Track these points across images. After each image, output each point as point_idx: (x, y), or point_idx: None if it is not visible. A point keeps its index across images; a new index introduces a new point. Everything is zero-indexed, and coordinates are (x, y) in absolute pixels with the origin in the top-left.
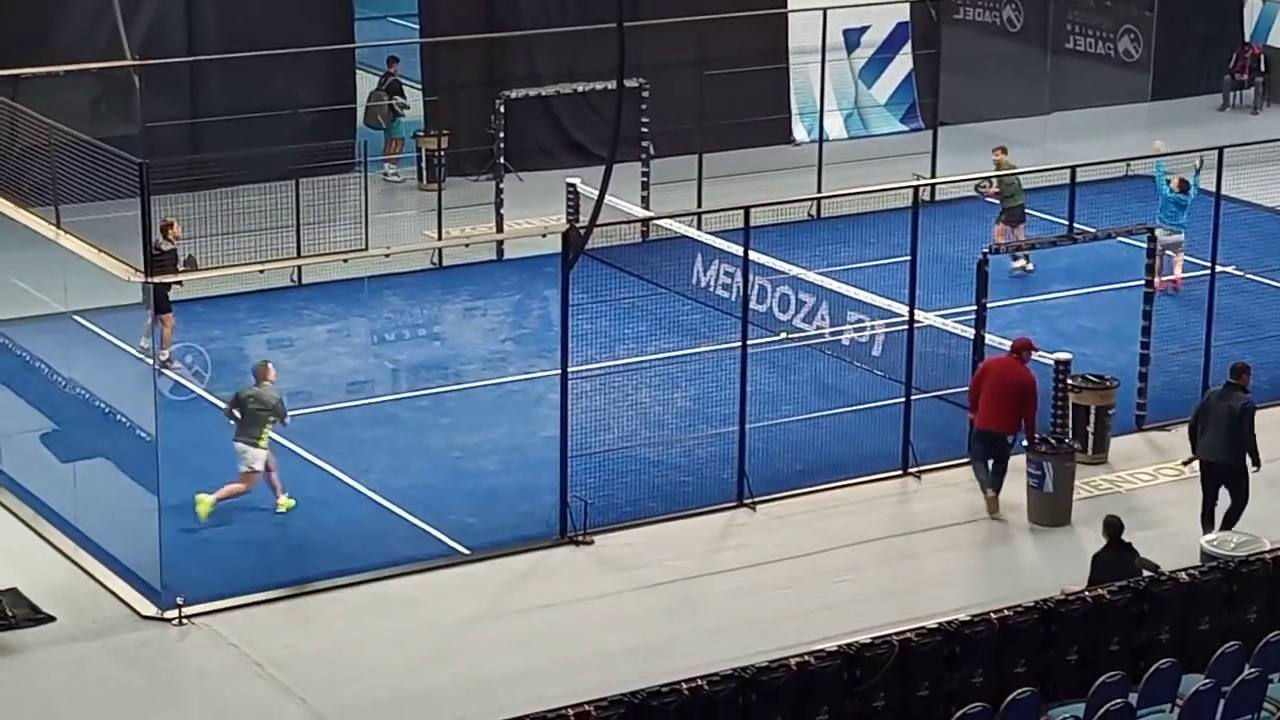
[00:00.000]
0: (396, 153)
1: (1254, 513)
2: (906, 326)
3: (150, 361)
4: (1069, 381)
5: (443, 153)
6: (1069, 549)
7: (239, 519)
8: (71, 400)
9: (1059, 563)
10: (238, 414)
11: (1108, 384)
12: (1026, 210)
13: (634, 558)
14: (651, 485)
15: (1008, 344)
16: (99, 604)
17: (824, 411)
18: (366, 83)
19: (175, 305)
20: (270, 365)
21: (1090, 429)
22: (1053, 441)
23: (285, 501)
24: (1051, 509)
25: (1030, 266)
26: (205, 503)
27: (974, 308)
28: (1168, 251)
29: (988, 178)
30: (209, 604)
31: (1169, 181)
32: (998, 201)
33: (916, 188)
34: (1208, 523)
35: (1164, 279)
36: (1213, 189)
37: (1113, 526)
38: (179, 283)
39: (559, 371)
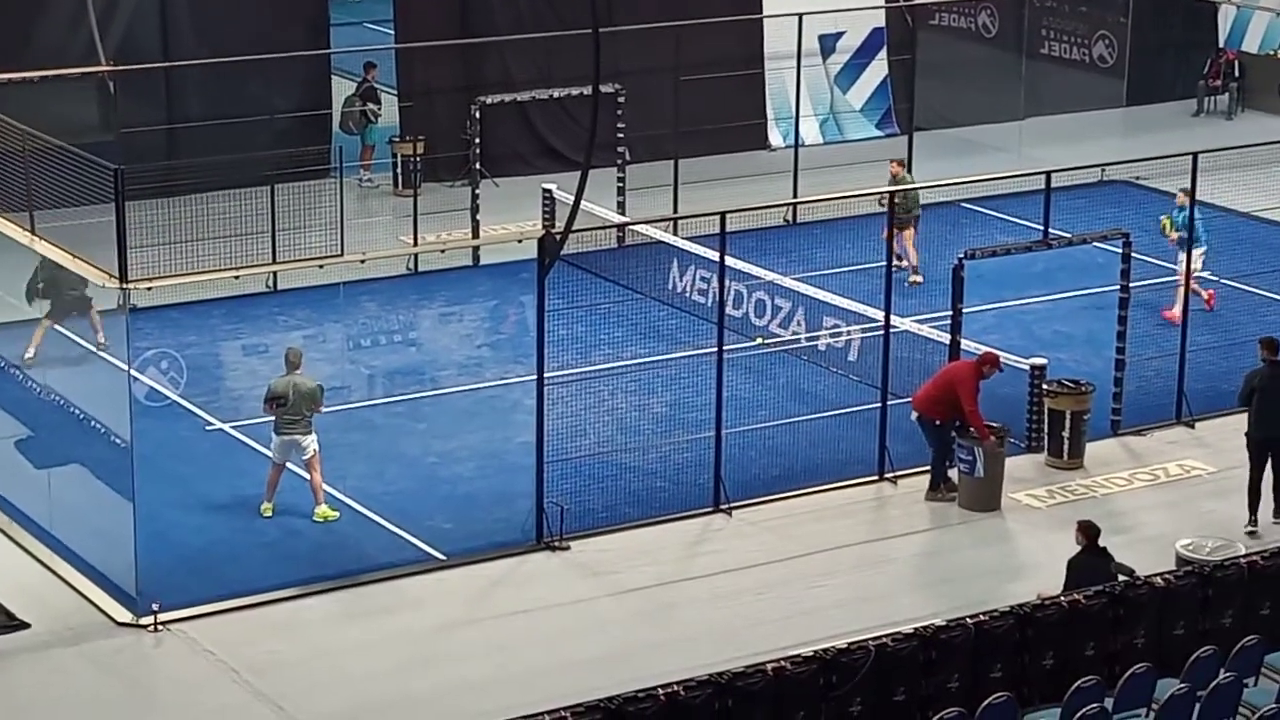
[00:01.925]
0: (371, 159)
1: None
2: (882, 331)
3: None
4: (1044, 387)
5: (418, 158)
6: (1044, 554)
7: (215, 525)
8: (46, 406)
9: (1034, 568)
10: (280, 407)
11: (1083, 389)
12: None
13: (610, 563)
14: (628, 491)
15: (983, 349)
16: (74, 611)
17: (800, 417)
18: (342, 88)
19: (150, 311)
20: (300, 350)
21: (1065, 434)
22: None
23: (325, 511)
24: (982, 494)
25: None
26: (323, 513)
27: (950, 313)
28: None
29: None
30: (185, 610)
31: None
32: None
33: (892, 193)
34: (1255, 498)
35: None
36: (1214, 200)
37: (1088, 531)
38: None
39: (535, 377)
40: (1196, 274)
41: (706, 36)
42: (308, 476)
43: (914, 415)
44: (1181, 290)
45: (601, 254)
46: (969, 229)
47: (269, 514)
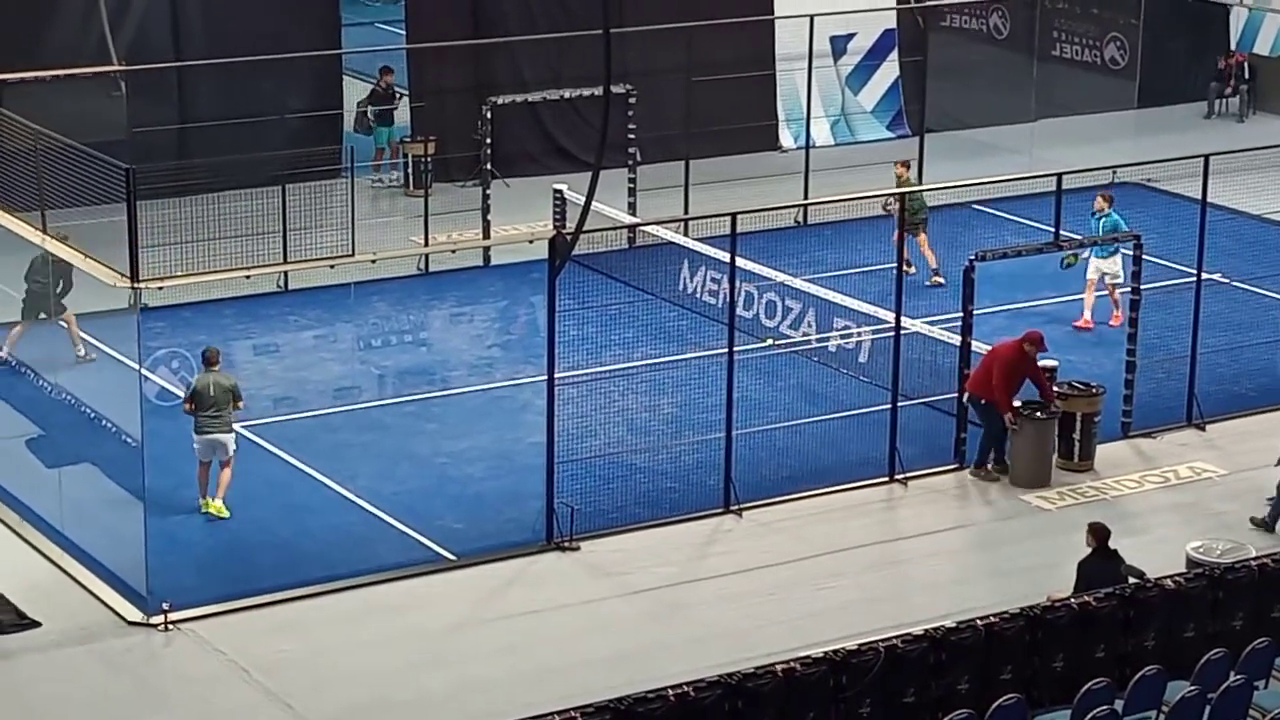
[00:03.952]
0: (381, 160)
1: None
2: (893, 333)
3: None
4: (1054, 389)
5: (429, 158)
6: (1055, 556)
7: (225, 524)
8: (57, 405)
9: (1045, 569)
10: (199, 405)
11: (1093, 391)
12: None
13: (620, 564)
14: (638, 491)
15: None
16: (85, 610)
17: (810, 418)
18: (353, 88)
19: (161, 310)
20: (217, 349)
21: (1076, 436)
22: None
23: (218, 505)
24: (1021, 470)
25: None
26: (216, 507)
27: (960, 314)
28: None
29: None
30: (195, 610)
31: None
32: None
33: (902, 194)
34: None
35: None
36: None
37: (1099, 533)
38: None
39: (546, 377)
40: (1114, 278)
41: (718, 37)
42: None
43: (965, 397)
44: (1090, 298)
45: (612, 255)
46: (980, 231)
47: (206, 509)
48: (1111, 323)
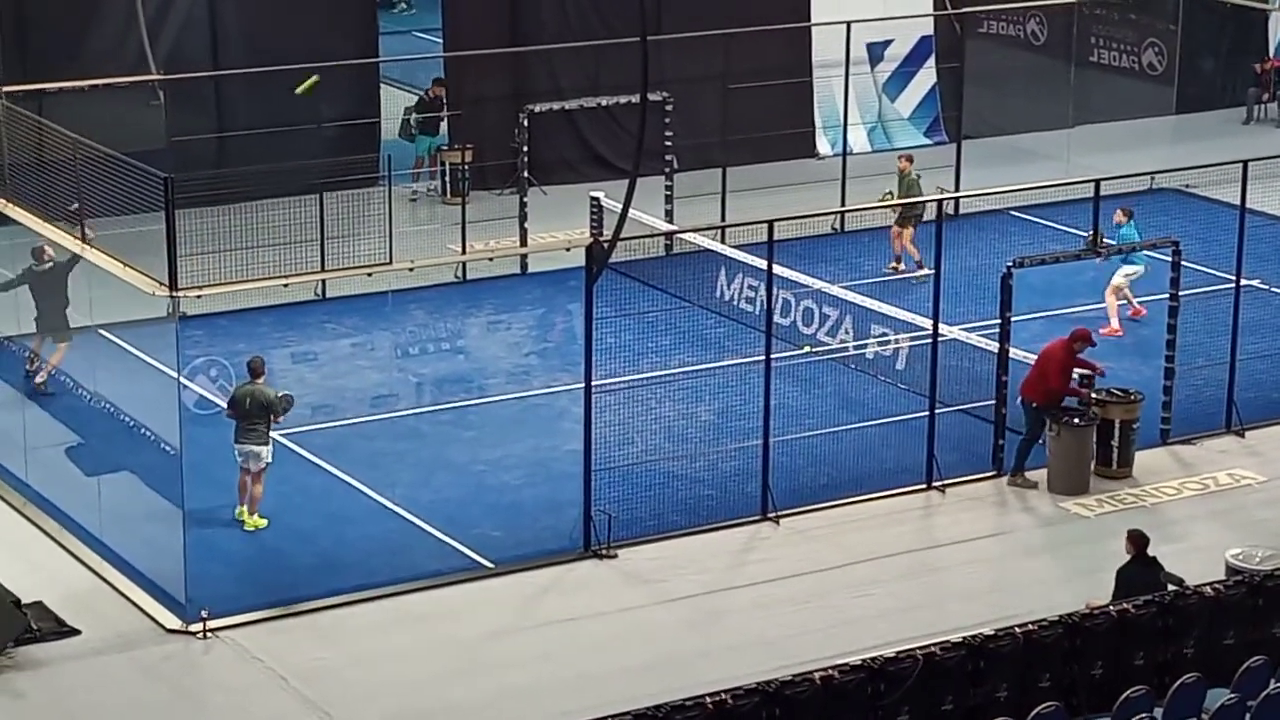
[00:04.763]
0: (420, 169)
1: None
2: (930, 340)
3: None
4: (1093, 395)
5: (467, 166)
6: (1093, 563)
7: (264, 533)
8: (96, 414)
9: (1083, 577)
10: (238, 414)
11: (1132, 398)
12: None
13: (657, 571)
14: (675, 499)
15: (1031, 357)
16: (123, 617)
17: (848, 425)
18: (390, 97)
19: (200, 319)
20: (263, 359)
21: (1115, 443)
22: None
23: (253, 520)
24: (1059, 476)
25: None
26: (253, 522)
27: (998, 321)
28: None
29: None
30: (233, 618)
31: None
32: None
33: (940, 201)
34: None
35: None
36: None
37: (1138, 541)
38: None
39: (583, 385)
40: (1123, 289)
41: (755, 45)
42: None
43: (1019, 400)
44: (1114, 303)
45: (649, 262)
46: (1018, 237)
47: (240, 517)
48: (1131, 315)
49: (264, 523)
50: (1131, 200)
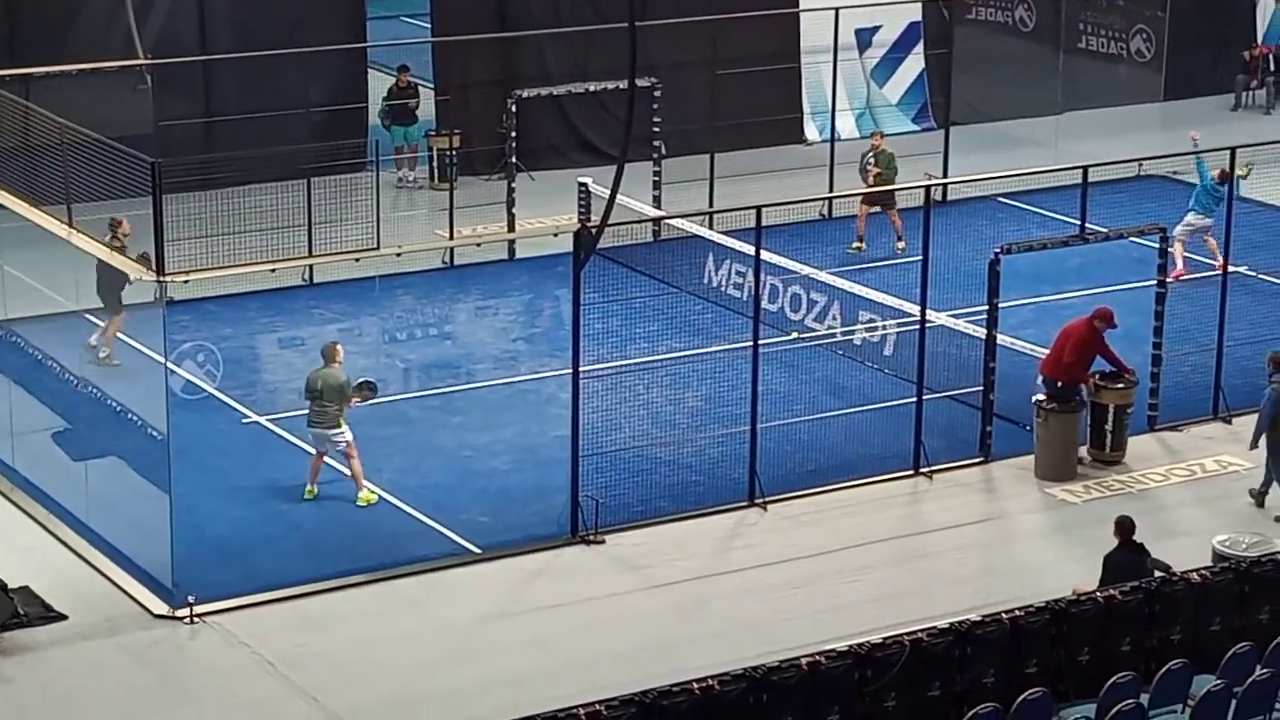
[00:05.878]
0: (402, 156)
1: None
2: (918, 326)
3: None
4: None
5: (454, 152)
6: (1081, 549)
7: (250, 518)
8: (83, 399)
9: (1071, 563)
10: (311, 398)
11: (1127, 381)
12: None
13: (645, 557)
14: (663, 485)
15: (1019, 344)
16: (111, 602)
17: (835, 411)
18: (378, 82)
19: (187, 304)
20: (339, 346)
21: (1109, 428)
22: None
23: (366, 495)
24: (1044, 461)
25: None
26: (365, 497)
27: (985, 307)
28: (1199, 235)
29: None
30: (220, 603)
31: (1212, 172)
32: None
33: (928, 187)
34: None
35: (1177, 273)
36: (1252, 195)
37: (1125, 527)
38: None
39: (570, 371)
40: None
41: (743, 30)
42: (346, 471)
43: (1039, 379)
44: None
45: (637, 248)
46: (1006, 224)
47: (309, 496)
48: (1174, 275)
49: (374, 497)
50: (1120, 187)
